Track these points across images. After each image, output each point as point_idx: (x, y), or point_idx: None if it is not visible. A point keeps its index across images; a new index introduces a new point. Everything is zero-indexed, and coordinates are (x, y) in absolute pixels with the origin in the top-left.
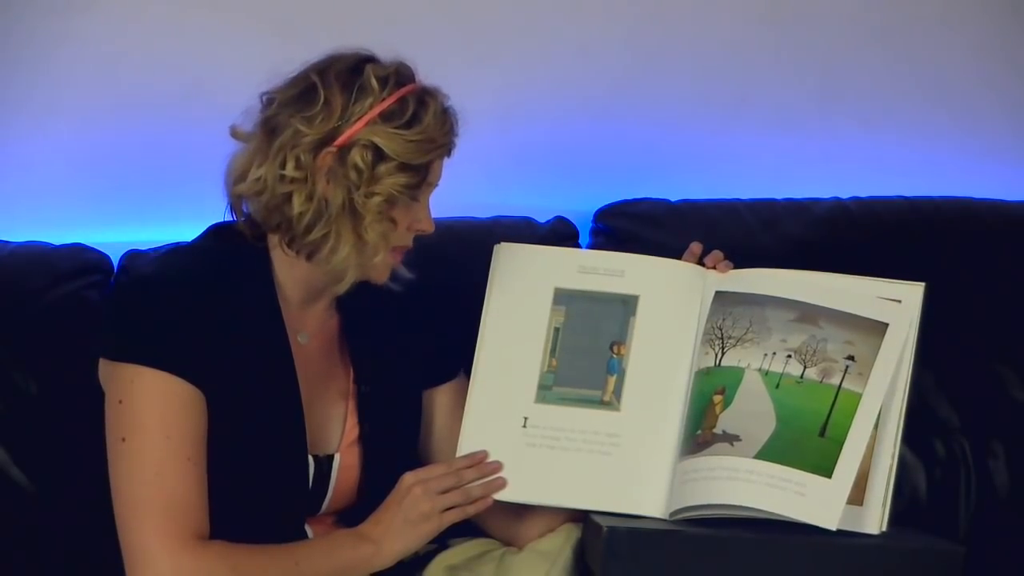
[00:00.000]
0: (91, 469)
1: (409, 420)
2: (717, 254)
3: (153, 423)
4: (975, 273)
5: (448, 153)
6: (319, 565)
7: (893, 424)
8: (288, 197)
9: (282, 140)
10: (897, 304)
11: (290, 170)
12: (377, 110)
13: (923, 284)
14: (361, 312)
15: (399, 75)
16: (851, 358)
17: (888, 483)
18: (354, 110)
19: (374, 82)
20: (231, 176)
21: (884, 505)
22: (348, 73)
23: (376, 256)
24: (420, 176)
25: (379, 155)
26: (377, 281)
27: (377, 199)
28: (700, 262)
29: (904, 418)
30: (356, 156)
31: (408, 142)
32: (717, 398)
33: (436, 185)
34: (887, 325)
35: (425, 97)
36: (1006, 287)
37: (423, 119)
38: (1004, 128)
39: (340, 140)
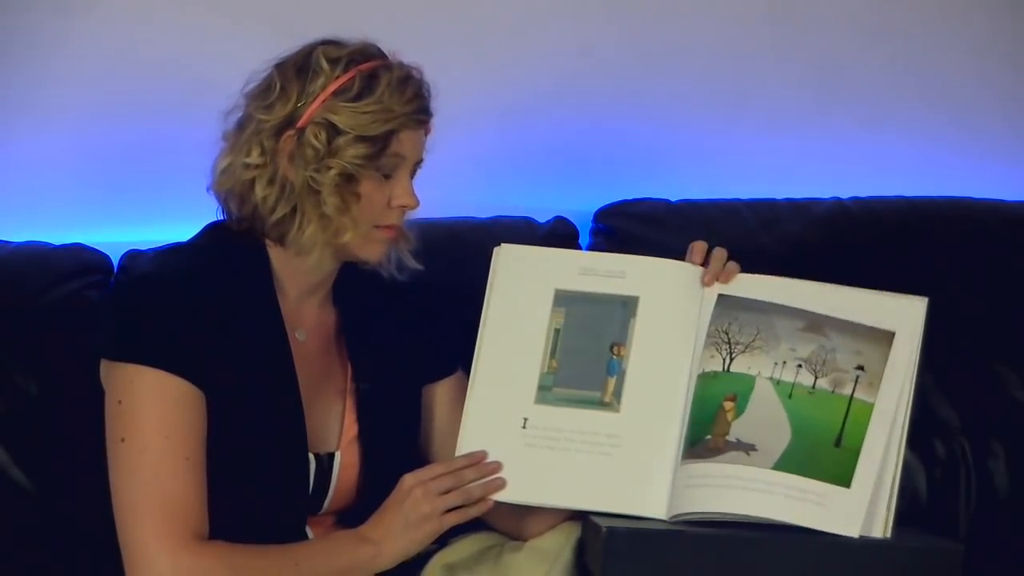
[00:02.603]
0: (91, 469)
1: (408, 417)
2: (719, 259)
3: (152, 423)
4: (975, 273)
5: (417, 124)
6: (319, 566)
7: (897, 433)
8: (252, 184)
9: (248, 132)
10: (901, 313)
11: (254, 157)
12: (331, 88)
13: (926, 299)
14: (359, 309)
15: (356, 54)
16: (861, 368)
17: (892, 490)
18: (309, 92)
19: (324, 63)
20: (210, 175)
21: (888, 510)
22: (302, 59)
23: (344, 234)
24: (378, 146)
25: (334, 131)
26: (370, 259)
27: (331, 173)
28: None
29: (908, 427)
30: (310, 135)
31: (361, 114)
32: (728, 404)
33: (414, 160)
34: (894, 334)
35: (379, 70)
36: (1006, 287)
37: (376, 90)
38: (1004, 128)
39: (300, 122)
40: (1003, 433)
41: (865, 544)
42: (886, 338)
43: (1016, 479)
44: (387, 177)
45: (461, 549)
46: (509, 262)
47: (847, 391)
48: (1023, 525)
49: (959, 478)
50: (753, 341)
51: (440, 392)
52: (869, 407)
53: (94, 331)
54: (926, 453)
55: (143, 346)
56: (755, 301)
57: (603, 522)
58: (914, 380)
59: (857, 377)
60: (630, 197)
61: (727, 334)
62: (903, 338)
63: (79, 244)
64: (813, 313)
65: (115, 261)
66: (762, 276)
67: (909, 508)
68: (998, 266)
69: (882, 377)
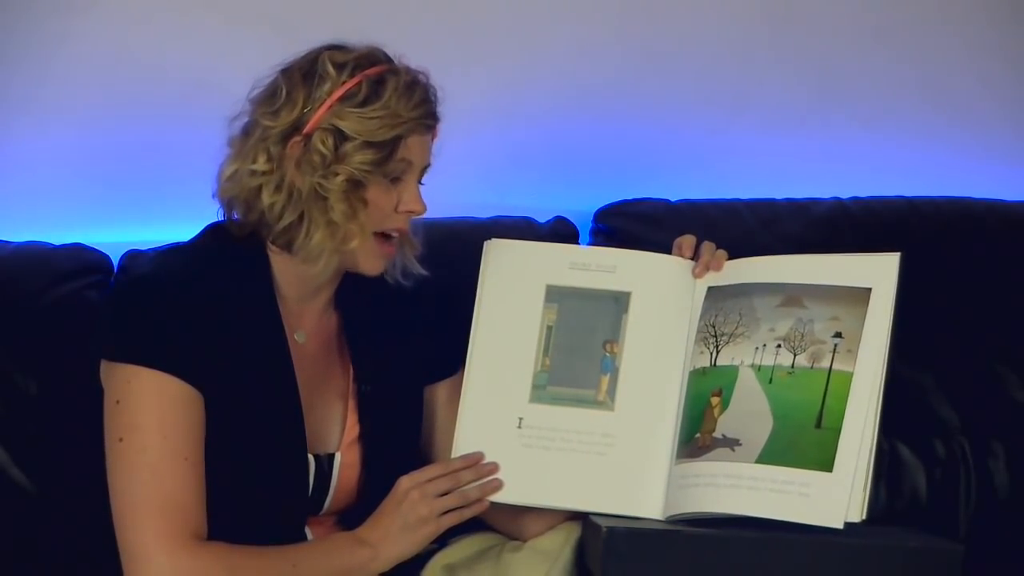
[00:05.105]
0: (91, 469)
1: (409, 418)
2: (710, 249)
3: (150, 423)
4: (975, 273)
5: (425, 129)
6: (317, 568)
7: (875, 403)
8: (259, 191)
9: (254, 138)
10: (877, 269)
11: (260, 164)
12: (337, 94)
13: (898, 254)
14: (360, 311)
15: (362, 58)
16: (838, 335)
17: (868, 469)
18: (315, 97)
19: (331, 68)
20: (215, 182)
21: (864, 491)
22: (308, 64)
23: (352, 240)
24: (386, 152)
25: (341, 136)
26: (370, 272)
27: (339, 179)
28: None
29: (882, 398)
30: (317, 141)
31: (368, 119)
32: (714, 400)
33: (422, 165)
34: (870, 290)
35: (386, 75)
36: (1006, 287)
37: (383, 95)
38: (1004, 128)
39: (307, 128)
40: (1003, 433)
41: (864, 544)
42: (863, 297)
43: (1016, 479)
44: (394, 182)
45: (461, 549)
46: (499, 258)
47: (826, 364)
48: (1023, 525)
49: (959, 478)
50: (736, 329)
51: (441, 392)
52: (848, 376)
53: (94, 331)
54: (926, 453)
55: (141, 346)
56: (738, 286)
57: (603, 522)
58: (890, 339)
59: (835, 346)
60: (630, 197)
61: (713, 327)
62: (879, 293)
63: (79, 244)
64: (791, 285)
65: (115, 261)
66: (745, 259)
67: (909, 508)
68: (998, 266)
69: (860, 339)
